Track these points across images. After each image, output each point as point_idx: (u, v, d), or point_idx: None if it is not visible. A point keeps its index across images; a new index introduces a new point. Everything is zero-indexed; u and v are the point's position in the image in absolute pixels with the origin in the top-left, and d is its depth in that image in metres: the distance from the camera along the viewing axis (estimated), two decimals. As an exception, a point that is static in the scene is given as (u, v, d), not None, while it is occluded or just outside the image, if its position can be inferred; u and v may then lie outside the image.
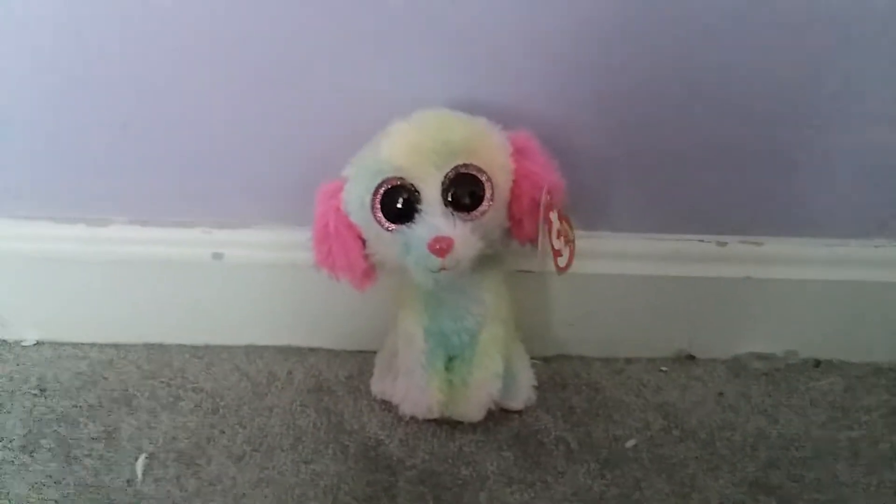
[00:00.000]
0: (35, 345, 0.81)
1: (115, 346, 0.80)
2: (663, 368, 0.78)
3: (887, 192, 0.70)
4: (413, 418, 0.70)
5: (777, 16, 0.60)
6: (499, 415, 0.71)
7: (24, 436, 0.70)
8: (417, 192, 0.57)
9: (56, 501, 0.64)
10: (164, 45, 0.63)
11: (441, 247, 0.55)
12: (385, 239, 0.59)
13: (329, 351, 0.80)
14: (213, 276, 0.75)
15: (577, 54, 0.63)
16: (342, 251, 0.61)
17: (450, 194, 0.57)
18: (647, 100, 0.65)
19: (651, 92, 0.65)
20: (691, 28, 0.61)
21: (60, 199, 0.74)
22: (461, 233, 0.56)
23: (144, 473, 0.66)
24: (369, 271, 0.62)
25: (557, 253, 0.58)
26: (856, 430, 0.71)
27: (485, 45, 0.63)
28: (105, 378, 0.76)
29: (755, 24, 0.60)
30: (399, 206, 0.57)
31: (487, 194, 0.57)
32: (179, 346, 0.80)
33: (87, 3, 0.61)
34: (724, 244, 0.73)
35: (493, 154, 0.58)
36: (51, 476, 0.66)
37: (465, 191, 0.57)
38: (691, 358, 0.79)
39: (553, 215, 0.58)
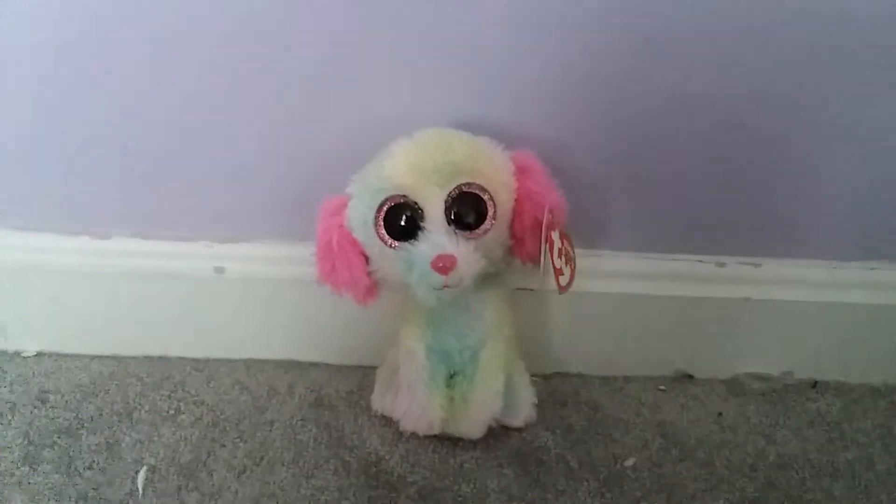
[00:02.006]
0: (36, 356, 0.81)
1: (116, 358, 0.80)
2: (662, 387, 0.79)
3: (884, 215, 0.71)
4: (414, 434, 0.70)
5: (776, 38, 0.61)
6: (499, 432, 0.71)
7: (25, 447, 0.70)
8: (420, 209, 0.57)
9: (56, 514, 0.64)
10: (166, 62, 0.64)
11: (444, 265, 0.55)
12: (388, 256, 0.59)
13: (330, 366, 0.80)
14: (214, 290, 0.76)
15: (579, 75, 0.63)
16: (345, 267, 0.61)
17: (452, 212, 0.57)
18: (648, 121, 0.66)
19: (652, 113, 0.65)
20: (692, 50, 0.61)
21: (63, 212, 0.74)
22: (464, 251, 0.56)
23: (145, 486, 0.66)
24: (372, 287, 0.63)
25: (559, 272, 0.59)
26: (853, 452, 0.71)
27: (488, 66, 0.63)
28: (106, 390, 0.76)
29: (755, 47, 0.61)
30: (402, 223, 0.58)
31: (490, 213, 0.58)
32: (180, 358, 0.80)
33: (91, 21, 0.62)
34: (722, 265, 0.74)
35: (495, 173, 0.59)
36: (51, 488, 0.66)
37: (467, 209, 0.58)
38: (690, 377, 0.80)
39: (555, 234, 0.58)
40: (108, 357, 0.80)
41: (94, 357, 0.80)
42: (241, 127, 0.68)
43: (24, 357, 0.81)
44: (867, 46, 0.61)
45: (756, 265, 0.74)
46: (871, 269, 0.74)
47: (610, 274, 0.74)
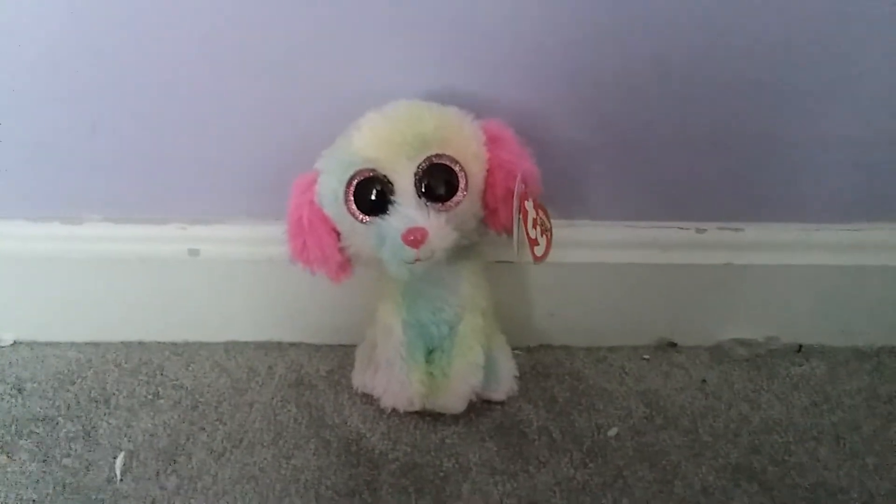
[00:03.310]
0: (12, 345, 0.80)
1: (93, 344, 0.79)
2: (645, 356, 0.78)
3: (865, 176, 0.70)
4: (394, 411, 0.69)
5: (755, 3, 0.59)
6: (481, 406, 0.71)
7: (2, 437, 0.69)
8: (391, 183, 0.56)
9: (35, 501, 0.63)
10: (135, 42, 0.62)
11: (415, 238, 0.54)
12: (359, 231, 0.58)
13: (309, 345, 0.79)
14: (189, 273, 0.75)
15: (553, 42, 0.62)
16: (317, 244, 0.60)
17: (423, 185, 0.56)
18: (625, 86, 0.65)
19: (628, 78, 0.64)
20: (669, 15, 0.60)
21: (34, 198, 0.73)
22: (435, 223, 0.55)
23: (124, 472, 0.66)
24: (344, 264, 0.62)
25: (534, 242, 0.58)
26: (837, 415, 0.71)
27: (459, 35, 0.62)
28: (83, 377, 0.75)
29: (733, 11, 0.60)
30: (372, 197, 0.57)
31: (461, 184, 0.57)
32: (158, 343, 0.79)
33: (60, 5, 0.60)
34: (703, 231, 0.73)
35: (466, 143, 0.58)
36: (29, 476, 0.65)
37: (438, 181, 0.57)
38: (673, 345, 0.79)
39: (528, 204, 0.57)
40: (84, 344, 0.79)
41: (70, 344, 0.79)
42: (212, 107, 0.67)
43: (0, 346, 0.80)
44: (848, 7, 0.60)
45: (737, 230, 0.73)
46: (854, 230, 0.73)
47: (590, 244, 0.73)
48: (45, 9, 0.61)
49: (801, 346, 0.79)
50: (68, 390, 0.74)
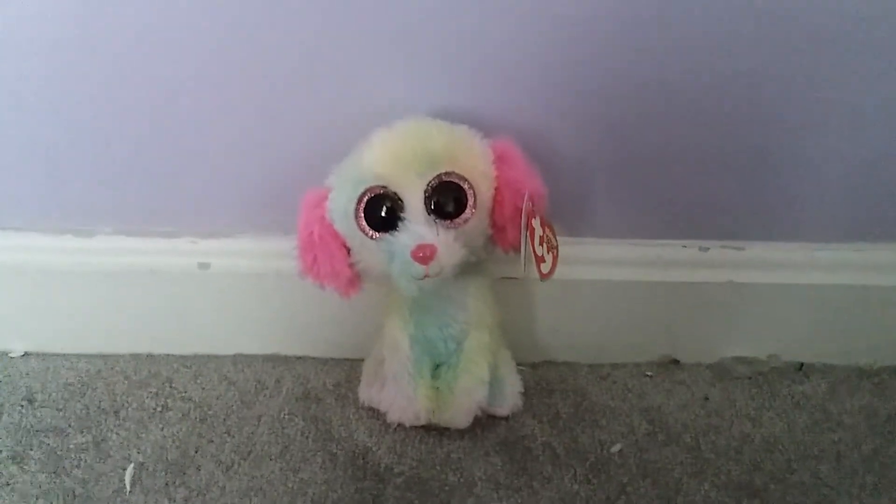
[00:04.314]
0: (23, 356, 0.81)
1: (103, 356, 0.80)
2: (648, 373, 0.79)
3: (868, 197, 0.71)
4: (400, 425, 0.70)
5: (760, 21, 0.60)
6: (486, 421, 0.71)
7: (13, 447, 0.70)
8: (400, 200, 0.57)
9: (44, 512, 0.64)
10: (147, 56, 0.63)
11: (424, 254, 0.55)
12: (369, 247, 0.59)
13: (317, 359, 0.80)
14: (199, 286, 0.75)
15: (559, 61, 0.63)
16: (327, 259, 0.61)
17: (432, 202, 0.57)
18: (630, 106, 0.66)
19: (633, 98, 0.65)
20: (673, 33, 0.61)
21: (46, 211, 0.74)
22: (444, 240, 0.56)
23: (133, 483, 0.66)
24: (354, 279, 0.63)
25: (540, 259, 0.59)
26: (839, 433, 0.72)
27: (467, 54, 0.63)
28: (93, 389, 0.76)
29: (737, 29, 0.61)
30: (382, 214, 0.58)
31: (470, 202, 0.58)
32: (167, 355, 0.80)
33: (69, 18, 0.61)
34: (706, 249, 0.74)
35: (474, 162, 0.59)
36: (39, 487, 0.66)
37: (447, 199, 0.58)
38: (676, 362, 0.80)
39: (535, 222, 0.58)
40: (94, 356, 0.80)
41: (80, 356, 0.80)
42: (224, 121, 0.67)
43: (11, 357, 0.80)
44: (851, 26, 0.60)
45: (739, 248, 0.74)
46: (856, 250, 0.74)
47: (594, 261, 0.74)
48: (55, 21, 0.62)
49: (802, 364, 0.80)
50: (78, 402, 0.75)
